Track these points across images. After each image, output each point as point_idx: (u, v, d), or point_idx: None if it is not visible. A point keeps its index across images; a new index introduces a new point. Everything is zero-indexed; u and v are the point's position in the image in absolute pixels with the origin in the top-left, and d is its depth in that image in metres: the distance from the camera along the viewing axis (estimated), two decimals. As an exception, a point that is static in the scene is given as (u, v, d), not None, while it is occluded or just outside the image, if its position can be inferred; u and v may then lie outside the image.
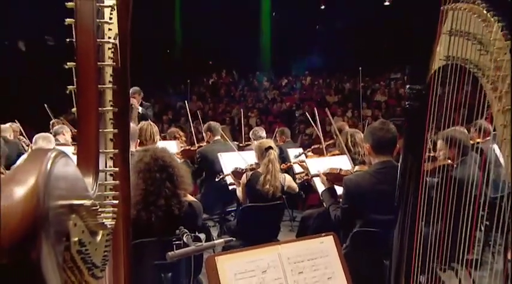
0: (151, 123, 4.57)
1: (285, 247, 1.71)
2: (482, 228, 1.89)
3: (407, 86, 1.78)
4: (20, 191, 0.58)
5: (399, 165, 1.90)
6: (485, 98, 1.56)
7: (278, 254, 1.67)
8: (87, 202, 0.73)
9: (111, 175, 1.02)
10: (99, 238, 0.84)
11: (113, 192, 0.98)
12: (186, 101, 8.90)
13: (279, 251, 1.68)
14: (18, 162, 0.63)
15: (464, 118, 1.88)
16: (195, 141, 6.62)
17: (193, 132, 6.85)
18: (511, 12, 1.51)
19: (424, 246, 1.80)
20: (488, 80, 1.52)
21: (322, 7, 15.60)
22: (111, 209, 0.93)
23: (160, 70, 14.67)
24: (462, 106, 1.74)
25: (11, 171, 0.63)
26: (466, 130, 3.48)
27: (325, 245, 1.80)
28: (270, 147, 3.91)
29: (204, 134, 6.14)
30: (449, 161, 3.35)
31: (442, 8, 1.62)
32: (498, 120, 1.53)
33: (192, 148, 5.72)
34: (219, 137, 5.63)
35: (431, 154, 3.35)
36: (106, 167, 1.02)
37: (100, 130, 1.00)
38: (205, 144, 5.83)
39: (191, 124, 7.04)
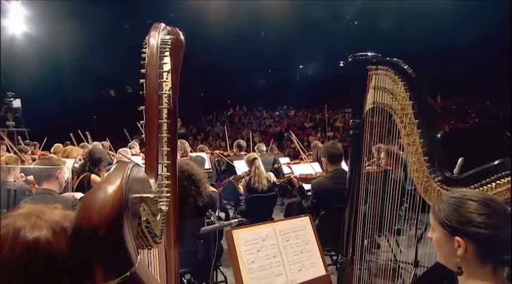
0: (183, 140, 4.70)
1: (278, 224, 1.73)
2: (403, 208, 1.92)
3: (351, 120, 1.85)
4: (111, 188, 0.59)
5: (348, 170, 1.91)
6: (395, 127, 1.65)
7: (273, 229, 1.69)
8: (151, 195, 0.74)
9: (165, 177, 1.03)
10: (158, 217, 0.84)
11: (166, 188, 0.99)
12: (212, 126, 8.98)
13: (273, 227, 1.70)
14: (111, 169, 0.63)
15: (386, 138, 1.92)
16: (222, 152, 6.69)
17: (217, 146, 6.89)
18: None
19: (367, 221, 1.83)
20: (397, 116, 1.64)
21: (301, 66, 15.81)
22: (165, 199, 0.94)
23: (197, 106, 14.77)
24: (384, 130, 1.78)
25: (106, 176, 0.63)
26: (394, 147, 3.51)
27: (304, 223, 1.82)
28: (255, 158, 3.97)
29: (234, 148, 6.19)
30: (389, 167, 3.36)
31: (369, 72, 1.70)
32: (405, 140, 1.63)
33: (225, 153, 5.79)
34: (243, 153, 5.69)
35: (375, 161, 3.39)
36: (162, 172, 1.02)
37: (159, 148, 1.02)
38: (232, 154, 5.87)
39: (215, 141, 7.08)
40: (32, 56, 12.06)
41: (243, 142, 5.95)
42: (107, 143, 6.74)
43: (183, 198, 2.35)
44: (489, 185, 1.43)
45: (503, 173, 1.42)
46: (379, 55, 1.70)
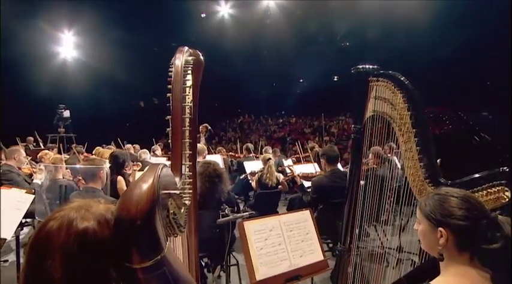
0: (203, 145, 4.71)
1: (282, 216, 1.72)
2: (388, 202, 1.86)
3: (352, 126, 1.76)
4: (145, 186, 0.60)
5: (348, 169, 1.85)
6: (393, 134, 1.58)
7: (278, 220, 1.67)
8: (177, 191, 0.74)
9: (187, 176, 1.03)
10: (182, 210, 0.84)
11: (189, 185, 0.98)
12: (225, 132, 9.01)
13: (279, 219, 1.69)
14: (144, 170, 0.61)
15: (385, 143, 1.86)
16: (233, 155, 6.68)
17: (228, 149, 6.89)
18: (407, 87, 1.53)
19: (358, 213, 1.77)
20: (396, 124, 1.55)
21: (301, 80, 15.74)
22: (188, 195, 0.93)
23: (211, 114, 14.85)
24: (383, 136, 1.73)
25: (141, 175, 0.63)
26: (380, 148, 3.46)
27: (305, 216, 1.80)
28: (269, 159, 3.95)
29: (244, 151, 6.16)
30: (375, 165, 3.32)
31: (370, 84, 1.64)
32: (402, 146, 1.54)
33: (236, 155, 5.78)
34: (251, 155, 5.67)
35: (365, 161, 3.35)
36: (185, 172, 1.02)
37: (182, 151, 1.02)
38: (242, 156, 5.87)
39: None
40: (79, 75, 12.53)
41: (250, 146, 5.94)
42: (138, 146, 6.70)
43: (211, 192, 2.35)
44: (480, 193, 1.34)
45: (494, 183, 1.32)
46: (379, 67, 1.63)
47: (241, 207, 4.96)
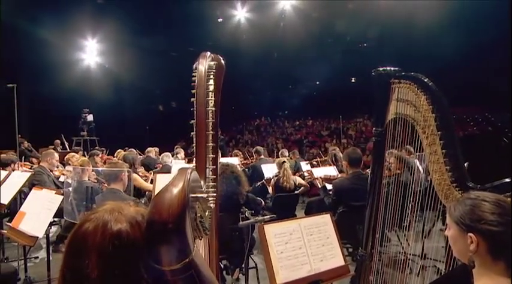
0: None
1: (303, 220, 1.69)
2: (410, 207, 1.79)
3: (374, 128, 1.71)
4: (176, 190, 0.61)
5: (368, 172, 1.80)
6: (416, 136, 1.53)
7: (299, 224, 1.65)
8: (204, 195, 0.74)
9: (211, 179, 1.04)
10: (207, 213, 0.84)
11: (212, 189, 1.00)
12: (242, 134, 9.03)
13: (299, 222, 1.66)
14: (175, 173, 0.62)
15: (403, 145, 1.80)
16: (248, 157, 6.65)
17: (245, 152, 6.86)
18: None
19: (379, 218, 1.71)
20: (420, 127, 1.49)
21: (317, 82, 15.61)
22: (213, 198, 0.95)
23: (228, 117, 14.97)
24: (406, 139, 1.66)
25: (171, 179, 0.65)
26: (403, 152, 3.35)
27: (325, 220, 1.77)
28: (284, 162, 3.92)
29: (254, 154, 6.15)
30: (398, 171, 3.22)
31: (391, 86, 1.59)
32: (427, 150, 1.49)
33: (247, 162, 5.73)
34: (262, 156, 5.63)
35: (386, 165, 3.25)
36: (208, 175, 1.04)
37: (207, 155, 1.04)
38: (254, 160, 5.83)
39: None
40: (102, 80, 13.00)
41: (260, 148, 5.88)
42: (157, 149, 6.83)
43: (228, 194, 2.36)
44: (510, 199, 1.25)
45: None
46: (401, 69, 1.58)
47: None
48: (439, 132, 1.44)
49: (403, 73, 1.57)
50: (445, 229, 1.03)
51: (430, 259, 3.08)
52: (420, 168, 3.31)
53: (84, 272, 0.60)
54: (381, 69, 1.64)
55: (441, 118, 1.44)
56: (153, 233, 0.59)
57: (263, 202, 3.30)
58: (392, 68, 1.62)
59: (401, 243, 3.35)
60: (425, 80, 1.50)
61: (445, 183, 1.45)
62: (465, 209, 0.94)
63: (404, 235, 3.37)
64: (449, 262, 1.36)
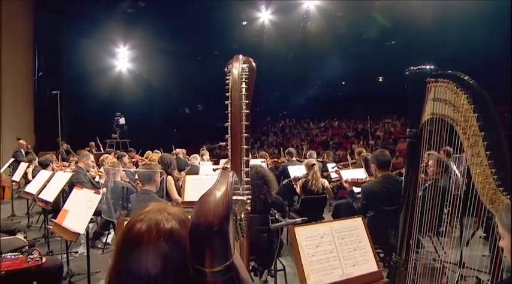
0: None
1: (334, 223, 1.66)
2: (445, 211, 1.68)
3: (408, 129, 1.61)
4: (219, 193, 0.62)
5: (403, 176, 1.69)
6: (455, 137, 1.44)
7: (330, 227, 1.62)
8: (243, 198, 0.76)
9: (246, 182, 1.05)
10: (243, 215, 0.83)
11: (247, 191, 1.00)
12: (267, 136, 9.03)
13: (330, 225, 1.63)
14: (218, 176, 0.62)
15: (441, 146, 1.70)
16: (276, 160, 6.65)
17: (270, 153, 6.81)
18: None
19: (415, 224, 1.62)
20: (460, 128, 1.40)
21: (343, 82, 15.25)
22: (248, 201, 0.94)
23: (253, 119, 14.94)
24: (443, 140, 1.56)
25: (215, 183, 0.66)
26: (442, 155, 3.16)
27: (357, 223, 1.72)
28: (313, 164, 3.84)
29: (286, 155, 6.11)
30: (436, 176, 3.05)
31: (427, 85, 1.50)
32: (468, 151, 1.39)
33: (278, 161, 5.75)
34: (294, 158, 5.62)
35: (421, 167, 3.07)
36: (244, 178, 1.05)
37: (242, 158, 1.05)
38: (286, 161, 5.83)
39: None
40: (133, 85, 13.67)
41: (292, 150, 5.84)
42: (184, 150, 7.01)
43: (255, 194, 2.35)
44: None
45: None
46: (437, 68, 1.50)
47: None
48: (482, 133, 1.34)
49: (440, 72, 1.48)
50: (491, 238, 0.95)
51: (470, 268, 2.87)
52: (457, 171, 3.10)
53: (143, 268, 0.62)
54: (415, 68, 1.57)
55: (484, 118, 1.34)
56: (198, 235, 0.60)
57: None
58: (427, 67, 1.54)
59: (436, 250, 3.17)
60: (466, 78, 1.41)
61: (490, 187, 1.34)
62: None
63: (441, 243, 3.18)
64: (496, 273, 1.26)
